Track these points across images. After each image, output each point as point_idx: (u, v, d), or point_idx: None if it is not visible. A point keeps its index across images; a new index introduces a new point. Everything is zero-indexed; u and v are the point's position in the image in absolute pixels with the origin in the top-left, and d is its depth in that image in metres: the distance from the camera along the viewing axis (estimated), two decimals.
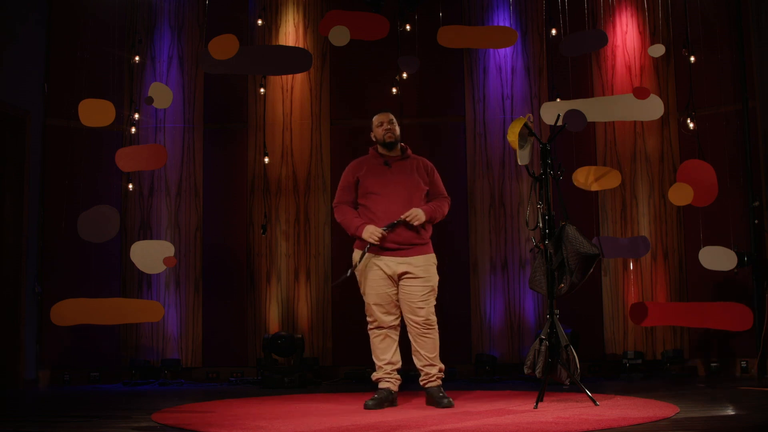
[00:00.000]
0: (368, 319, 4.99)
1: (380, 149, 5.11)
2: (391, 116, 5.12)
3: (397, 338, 4.97)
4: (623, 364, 7.19)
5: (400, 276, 4.89)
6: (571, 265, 4.79)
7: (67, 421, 4.54)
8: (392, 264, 4.88)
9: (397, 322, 4.96)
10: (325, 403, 5.32)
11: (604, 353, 7.43)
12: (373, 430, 3.86)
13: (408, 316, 4.91)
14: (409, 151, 5.15)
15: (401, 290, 4.91)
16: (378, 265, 4.90)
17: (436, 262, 5.03)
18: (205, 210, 7.82)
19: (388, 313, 4.92)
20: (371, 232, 4.83)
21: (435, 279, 4.97)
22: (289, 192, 7.77)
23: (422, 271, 4.90)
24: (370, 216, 4.93)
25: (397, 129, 5.10)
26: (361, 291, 4.99)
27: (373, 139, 5.16)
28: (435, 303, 4.97)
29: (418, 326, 4.89)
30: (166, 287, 7.63)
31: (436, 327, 4.96)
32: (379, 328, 4.94)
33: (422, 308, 4.88)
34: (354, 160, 5.18)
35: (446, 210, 5.08)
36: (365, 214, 4.97)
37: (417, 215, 4.85)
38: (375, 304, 4.92)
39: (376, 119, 5.12)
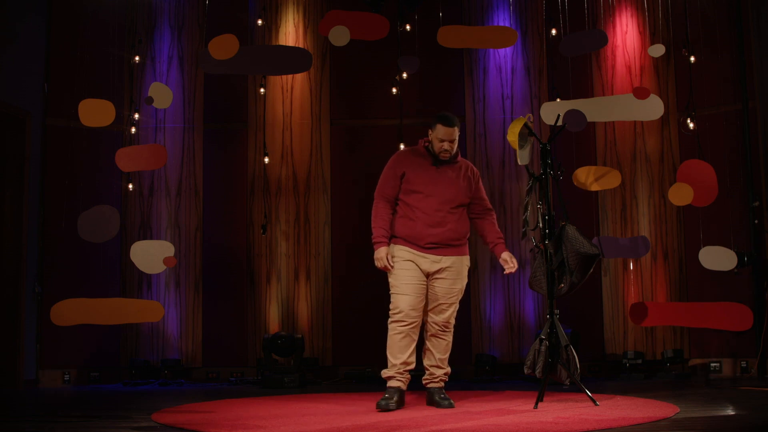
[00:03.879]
0: (392, 312, 4.80)
1: (432, 149, 4.92)
2: (456, 134, 4.86)
3: (416, 338, 4.85)
4: (623, 364, 7.19)
5: (432, 274, 4.81)
6: (571, 265, 4.79)
7: (67, 421, 4.53)
8: (426, 262, 4.79)
9: (421, 320, 4.84)
10: (325, 403, 5.31)
11: (604, 353, 7.43)
12: (373, 430, 3.86)
13: (429, 315, 4.85)
14: (459, 156, 4.99)
15: (430, 288, 4.83)
16: (411, 258, 4.79)
17: (469, 264, 4.96)
18: (205, 210, 7.82)
19: (416, 309, 4.77)
20: (381, 257, 4.79)
21: (464, 281, 4.91)
22: (289, 192, 7.77)
23: (454, 272, 4.84)
24: (409, 214, 4.82)
25: (456, 145, 4.89)
26: (390, 283, 4.84)
27: (430, 137, 4.91)
28: (458, 306, 4.90)
29: (437, 326, 4.85)
30: (166, 287, 7.63)
31: (452, 330, 4.91)
32: (401, 321, 4.75)
33: (446, 310, 4.84)
34: (402, 150, 5.04)
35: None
36: (404, 211, 4.84)
37: (515, 260, 4.94)
38: (404, 295, 4.75)
39: (440, 132, 4.83)
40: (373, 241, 4.86)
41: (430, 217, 4.79)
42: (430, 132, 4.90)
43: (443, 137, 4.84)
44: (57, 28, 7.69)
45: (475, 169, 5.05)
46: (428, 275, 4.82)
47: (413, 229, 4.80)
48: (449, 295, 4.84)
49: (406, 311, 4.76)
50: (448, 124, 4.84)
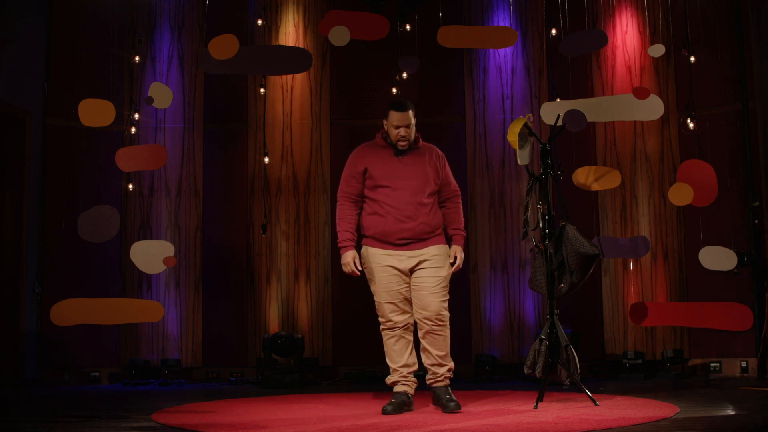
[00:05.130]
0: (380, 319, 4.67)
1: (390, 139, 4.75)
2: (411, 119, 4.67)
3: (411, 338, 4.66)
4: (623, 364, 7.19)
5: (412, 270, 4.61)
6: (571, 265, 4.79)
7: (67, 421, 4.53)
8: (403, 259, 4.60)
9: (411, 320, 4.66)
10: (325, 403, 5.31)
11: (604, 353, 7.43)
12: (372, 430, 3.86)
13: (418, 311, 4.59)
14: (420, 141, 4.79)
15: (412, 283, 4.62)
16: (388, 262, 4.61)
17: (449, 254, 4.72)
18: (205, 210, 7.83)
19: (402, 312, 4.62)
20: (348, 262, 4.64)
21: (447, 270, 4.65)
22: (289, 192, 7.77)
23: (434, 261, 4.60)
24: (379, 210, 4.64)
25: (413, 131, 4.71)
26: (372, 290, 4.71)
27: (385, 127, 4.76)
28: (448, 297, 4.65)
29: (429, 322, 4.56)
30: (166, 287, 7.63)
31: (448, 324, 4.63)
32: (392, 329, 4.65)
33: (432, 301, 4.56)
34: (359, 146, 4.83)
35: (462, 210, 4.89)
36: (373, 208, 4.66)
37: (461, 259, 4.70)
38: (387, 303, 4.61)
39: (394, 119, 4.66)
40: (339, 245, 4.71)
41: (401, 211, 4.59)
42: (385, 122, 4.75)
43: (397, 123, 4.65)
44: (57, 28, 7.69)
45: (439, 152, 4.83)
46: (409, 271, 4.62)
47: (384, 225, 4.61)
48: (432, 284, 4.58)
49: (393, 319, 4.63)
50: (400, 108, 4.67)
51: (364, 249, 4.72)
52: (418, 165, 4.71)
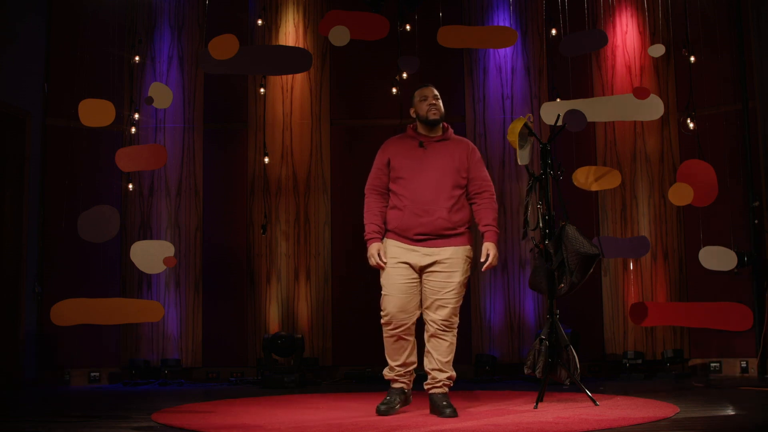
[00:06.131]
0: (381, 312, 4.50)
1: (420, 128, 4.64)
2: (435, 90, 4.66)
3: (411, 339, 4.51)
4: (623, 364, 7.19)
5: (424, 269, 4.46)
6: (571, 265, 4.79)
7: (67, 421, 4.53)
8: (417, 255, 4.45)
9: (410, 322, 4.48)
10: (325, 403, 5.31)
11: (604, 353, 7.43)
12: (372, 430, 3.86)
13: (427, 313, 4.46)
14: (451, 132, 4.66)
15: (423, 284, 4.47)
16: (402, 258, 4.46)
17: (470, 255, 4.55)
18: (205, 210, 7.83)
19: (404, 311, 4.44)
20: (372, 254, 4.49)
21: (462, 275, 4.48)
22: (289, 192, 7.77)
23: (449, 264, 4.44)
24: (398, 204, 4.50)
25: (441, 105, 4.62)
26: (381, 283, 4.53)
27: (413, 116, 4.68)
28: (461, 302, 4.49)
29: (436, 325, 4.42)
30: (166, 287, 7.63)
31: (455, 330, 4.48)
32: (388, 324, 4.46)
33: (444, 307, 4.42)
34: (390, 138, 4.75)
35: (496, 205, 4.66)
36: (394, 201, 4.53)
37: (494, 256, 4.58)
38: (391, 295, 4.45)
39: (418, 93, 4.65)
40: (365, 237, 4.59)
41: (418, 204, 4.44)
42: (412, 111, 4.70)
43: (425, 94, 4.64)
44: (57, 28, 7.69)
45: (471, 145, 4.66)
46: (421, 270, 4.47)
47: (401, 219, 4.47)
48: (445, 290, 4.43)
49: (392, 314, 4.45)
50: (423, 85, 4.72)
51: (384, 241, 4.58)
52: (442, 157, 4.54)
